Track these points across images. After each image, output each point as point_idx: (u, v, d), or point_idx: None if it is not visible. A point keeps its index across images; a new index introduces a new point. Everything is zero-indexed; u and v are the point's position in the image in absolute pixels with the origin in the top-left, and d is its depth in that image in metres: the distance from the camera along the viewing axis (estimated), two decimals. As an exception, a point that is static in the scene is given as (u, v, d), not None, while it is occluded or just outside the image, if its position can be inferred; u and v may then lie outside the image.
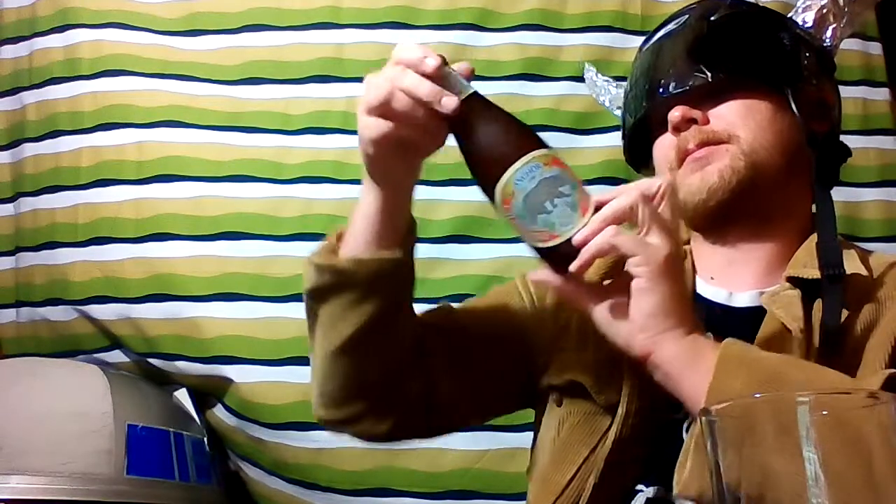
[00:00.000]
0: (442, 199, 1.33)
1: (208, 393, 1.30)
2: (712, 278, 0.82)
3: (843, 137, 1.40)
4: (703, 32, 0.83)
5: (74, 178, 1.36)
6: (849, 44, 1.39)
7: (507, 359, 0.82)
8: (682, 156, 0.80)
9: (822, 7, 0.87)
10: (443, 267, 1.30)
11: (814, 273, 0.74)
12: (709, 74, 0.80)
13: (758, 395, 0.55)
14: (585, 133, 1.31)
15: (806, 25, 0.88)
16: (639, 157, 0.92)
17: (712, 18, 0.84)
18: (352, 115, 1.37)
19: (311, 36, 1.41)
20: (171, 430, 1.16)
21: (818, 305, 0.73)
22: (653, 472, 0.73)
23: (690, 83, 0.81)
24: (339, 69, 1.39)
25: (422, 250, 1.30)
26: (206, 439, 1.25)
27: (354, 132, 1.43)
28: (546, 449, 0.80)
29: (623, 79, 1.29)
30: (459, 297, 1.28)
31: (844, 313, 0.72)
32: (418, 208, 1.30)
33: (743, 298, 0.79)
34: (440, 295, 1.28)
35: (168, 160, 1.35)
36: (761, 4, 0.91)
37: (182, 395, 1.28)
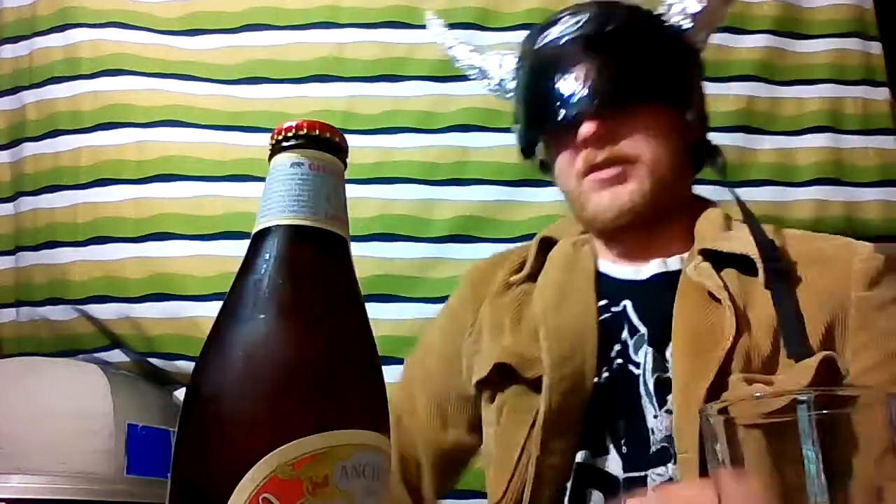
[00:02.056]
0: (442, 199, 1.33)
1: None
2: (614, 261, 0.88)
3: (843, 137, 1.41)
4: (608, 53, 0.85)
5: (74, 178, 1.36)
6: (849, 44, 1.40)
7: (465, 405, 0.91)
8: (589, 168, 0.84)
9: (698, 12, 0.89)
10: (443, 267, 1.30)
11: (726, 246, 0.80)
12: (621, 96, 0.84)
13: (758, 395, 0.57)
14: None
15: (683, 27, 0.89)
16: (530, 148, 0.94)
17: (612, 30, 0.85)
18: (352, 115, 1.39)
19: (310, 35, 1.41)
20: (171, 429, 1.16)
21: (729, 273, 0.79)
22: (592, 438, 0.78)
23: (600, 102, 0.83)
24: (339, 69, 1.39)
25: (422, 250, 1.32)
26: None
27: (354, 131, 1.44)
28: (492, 443, 0.85)
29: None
30: (459, 297, 1.28)
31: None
32: (418, 208, 1.32)
33: (648, 269, 0.85)
34: (440, 295, 1.28)
35: (168, 160, 1.35)
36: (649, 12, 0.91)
37: (182, 395, 1.27)
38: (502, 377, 0.83)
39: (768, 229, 0.84)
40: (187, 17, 1.42)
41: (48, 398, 1.06)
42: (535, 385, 0.80)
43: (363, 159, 1.33)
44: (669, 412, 0.75)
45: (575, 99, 0.83)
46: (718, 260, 0.80)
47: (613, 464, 0.77)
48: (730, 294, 0.76)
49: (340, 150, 0.35)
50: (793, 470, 0.38)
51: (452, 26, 1.41)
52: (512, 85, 0.96)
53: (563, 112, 0.84)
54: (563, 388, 0.78)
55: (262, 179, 0.36)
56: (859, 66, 1.39)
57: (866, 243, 0.83)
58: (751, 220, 0.83)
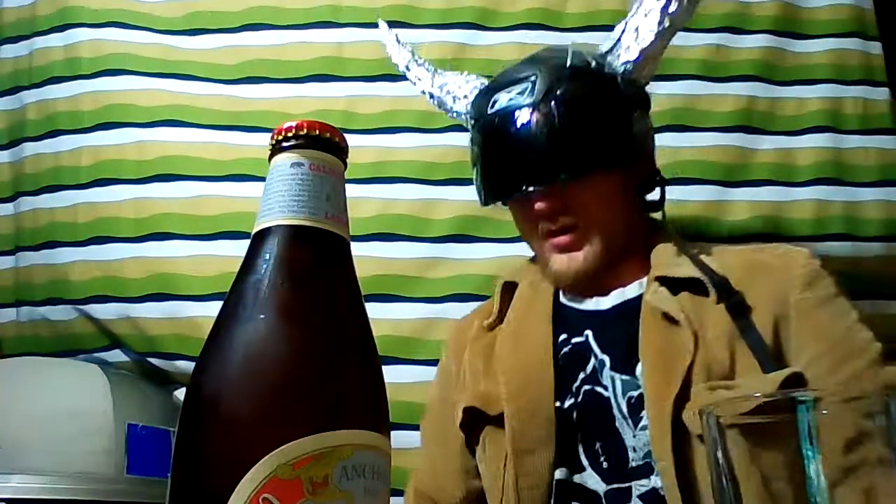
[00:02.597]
0: (442, 199, 1.33)
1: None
2: (574, 296, 0.95)
3: (843, 137, 1.41)
4: (556, 123, 0.88)
5: (74, 178, 1.36)
6: (849, 44, 1.39)
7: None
8: (546, 234, 0.92)
9: (637, 59, 0.94)
10: (443, 267, 1.30)
11: (678, 272, 0.87)
12: (567, 173, 0.88)
13: (757, 395, 0.57)
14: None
15: (628, 62, 0.94)
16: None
17: (557, 98, 0.88)
18: (352, 114, 1.39)
19: (311, 35, 1.41)
20: (171, 429, 1.16)
21: (683, 296, 0.85)
22: (567, 456, 0.85)
23: (549, 181, 0.88)
24: (340, 68, 1.39)
25: (422, 250, 1.32)
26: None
27: (354, 131, 1.44)
28: (485, 479, 0.92)
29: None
30: (459, 297, 1.28)
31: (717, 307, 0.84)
32: (418, 208, 1.32)
33: (607, 301, 0.92)
34: (440, 295, 1.28)
35: (168, 159, 1.35)
36: (593, 62, 0.94)
37: (182, 395, 1.27)
38: (475, 419, 0.90)
39: (705, 248, 0.92)
40: (187, 16, 1.42)
41: (48, 398, 1.06)
42: (499, 419, 0.87)
43: (363, 159, 1.33)
44: (645, 429, 0.81)
45: (527, 175, 0.89)
46: (673, 285, 0.86)
47: (591, 479, 0.83)
48: (686, 315, 0.83)
49: (341, 150, 0.35)
50: (792, 471, 0.38)
51: (452, 26, 1.42)
52: (467, 119, 1.01)
53: (517, 187, 0.91)
54: (522, 416, 0.85)
55: (263, 179, 0.36)
56: (859, 66, 1.39)
57: (802, 249, 0.90)
58: (687, 250, 0.90)
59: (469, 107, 1.01)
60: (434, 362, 1.26)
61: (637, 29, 0.95)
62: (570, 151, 0.88)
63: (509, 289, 0.99)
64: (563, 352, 0.89)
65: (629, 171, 0.93)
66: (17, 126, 1.42)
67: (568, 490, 0.83)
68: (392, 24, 1.40)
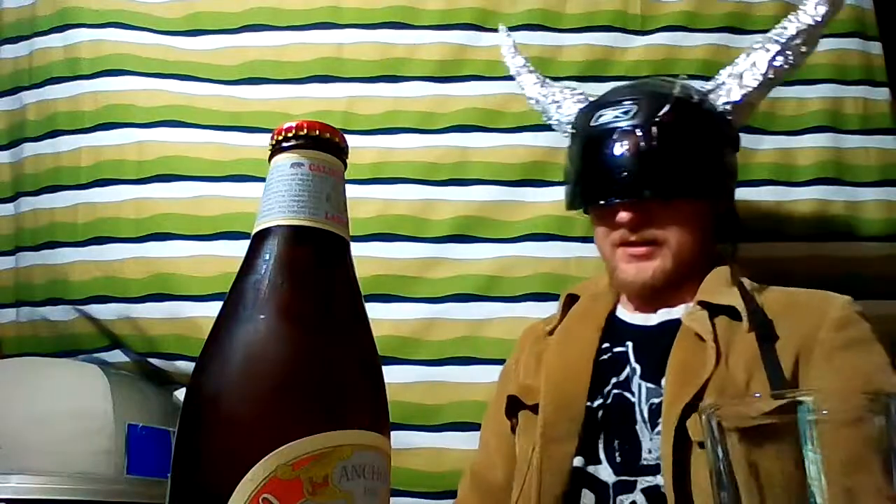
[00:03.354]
0: (442, 199, 1.33)
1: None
2: (635, 308, 1.01)
3: (843, 137, 1.41)
4: (653, 146, 0.96)
5: (74, 178, 1.36)
6: (849, 44, 1.39)
7: None
8: (622, 241, 0.98)
9: (748, 94, 1.03)
10: (443, 267, 1.30)
11: (718, 299, 0.93)
12: (659, 192, 0.96)
13: (757, 395, 0.58)
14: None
15: (729, 103, 1.03)
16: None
17: (660, 123, 0.96)
18: (352, 115, 1.39)
19: (311, 36, 1.41)
20: (171, 430, 1.16)
21: (721, 319, 0.91)
22: (584, 450, 0.92)
23: (639, 195, 0.96)
24: (340, 69, 1.39)
25: (422, 250, 1.32)
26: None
27: (355, 132, 1.44)
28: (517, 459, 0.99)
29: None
30: (459, 297, 1.28)
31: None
32: (418, 208, 1.32)
33: (656, 318, 0.99)
34: (440, 295, 1.28)
35: (168, 160, 1.35)
36: (699, 91, 1.02)
37: (182, 395, 1.27)
38: (514, 406, 1.00)
39: (759, 287, 0.96)
40: (187, 17, 1.42)
41: (48, 398, 1.06)
42: (535, 409, 0.95)
43: (363, 159, 1.33)
44: (660, 433, 0.87)
45: (617, 187, 0.97)
46: (712, 310, 0.92)
47: (604, 471, 0.90)
48: (715, 336, 0.89)
49: (341, 151, 0.35)
50: (793, 471, 0.38)
51: (452, 27, 1.42)
52: (566, 129, 1.10)
53: (605, 197, 0.99)
54: (555, 409, 0.93)
55: (262, 180, 0.36)
56: (859, 66, 1.39)
57: (844, 296, 0.93)
58: (736, 281, 0.95)
59: (571, 118, 1.09)
60: (434, 362, 1.26)
61: (742, 75, 1.03)
62: (660, 173, 0.96)
63: (571, 300, 1.06)
64: (602, 358, 0.97)
65: (712, 203, 1.01)
66: (17, 126, 1.42)
67: (581, 478, 0.91)
68: (392, 25, 1.41)
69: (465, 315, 1.27)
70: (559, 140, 1.34)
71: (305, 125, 0.34)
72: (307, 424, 0.29)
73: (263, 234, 0.33)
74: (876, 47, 1.41)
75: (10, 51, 1.46)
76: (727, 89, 1.03)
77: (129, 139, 1.36)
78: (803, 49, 1.04)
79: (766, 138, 1.36)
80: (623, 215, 0.97)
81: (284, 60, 1.40)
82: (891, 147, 1.36)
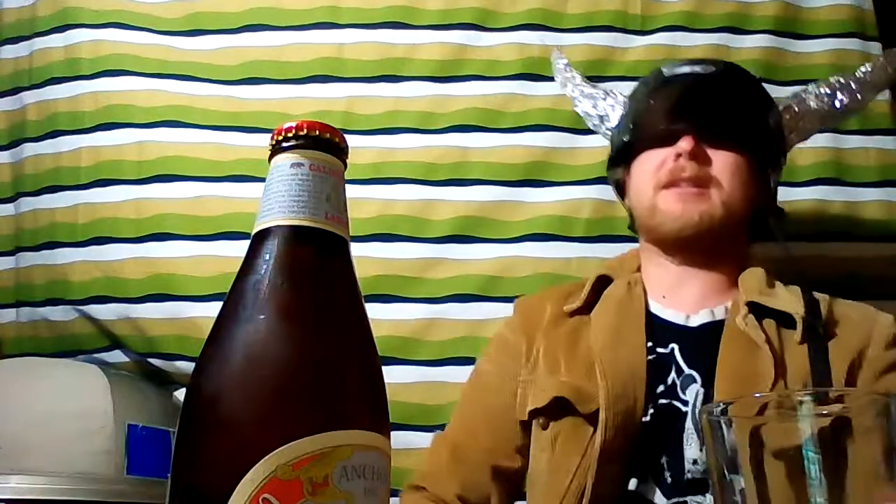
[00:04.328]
0: (442, 199, 1.33)
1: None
2: (664, 297, 0.97)
3: (843, 137, 1.41)
4: (737, 93, 0.98)
5: (74, 178, 1.36)
6: (849, 44, 1.40)
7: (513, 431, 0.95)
8: (673, 181, 0.94)
9: (798, 116, 1.06)
10: (443, 267, 1.30)
11: (771, 302, 0.90)
12: (724, 128, 0.95)
13: (758, 395, 0.57)
14: (585, 133, 1.31)
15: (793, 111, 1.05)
16: (620, 157, 1.05)
17: (736, 81, 1.00)
18: (352, 115, 1.39)
19: (310, 36, 1.41)
20: (171, 430, 1.16)
21: (769, 324, 0.88)
22: (638, 467, 0.86)
23: (708, 126, 0.94)
24: (339, 69, 1.39)
25: (422, 250, 1.32)
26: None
27: (355, 132, 1.44)
28: (543, 467, 0.90)
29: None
30: (459, 298, 1.28)
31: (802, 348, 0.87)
32: (418, 208, 1.32)
33: (698, 318, 0.94)
34: (440, 295, 1.28)
35: (168, 160, 1.35)
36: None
37: (182, 395, 1.27)
38: (559, 409, 0.90)
39: (796, 292, 0.93)
40: (187, 17, 1.42)
41: (48, 398, 1.06)
42: (589, 417, 0.87)
43: (363, 159, 1.33)
44: None
45: (685, 112, 0.95)
46: (760, 312, 0.89)
47: (652, 492, 0.85)
48: (771, 346, 0.85)
49: (341, 151, 0.35)
50: (794, 471, 0.38)
51: (452, 27, 1.42)
52: (612, 122, 1.10)
53: (670, 119, 0.96)
54: (617, 423, 0.85)
55: (263, 180, 0.36)
56: (859, 67, 1.39)
57: (887, 314, 0.93)
58: (808, 288, 0.93)
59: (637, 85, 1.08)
60: (434, 363, 1.26)
61: (806, 99, 1.07)
62: (733, 114, 0.96)
63: (602, 282, 0.99)
64: (649, 358, 0.90)
65: (764, 181, 0.99)
66: (17, 126, 1.42)
67: (630, 500, 0.85)
68: (392, 25, 1.41)
69: (465, 315, 1.27)
70: (559, 140, 1.35)
71: (305, 125, 0.34)
72: (307, 425, 0.29)
73: (263, 234, 0.33)
74: (876, 47, 1.41)
75: (10, 51, 1.46)
76: (790, 101, 1.06)
77: (129, 139, 1.36)
78: (860, 97, 1.08)
79: (766, 138, 1.36)
80: (685, 142, 0.93)
81: (284, 60, 1.40)
82: (891, 147, 1.36)
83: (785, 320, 0.89)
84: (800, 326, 0.87)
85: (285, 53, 1.40)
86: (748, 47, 1.39)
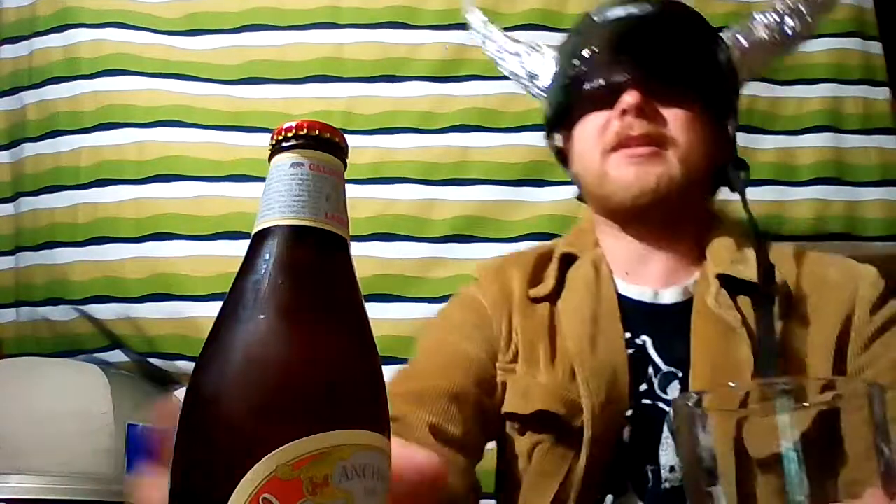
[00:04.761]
0: (442, 199, 1.33)
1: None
2: (627, 273, 0.86)
3: (843, 137, 1.41)
4: (681, 35, 0.86)
5: (74, 178, 1.36)
6: (849, 43, 1.40)
7: (480, 402, 0.81)
8: (622, 142, 0.82)
9: (746, 53, 0.93)
10: (443, 267, 1.30)
11: (743, 272, 0.79)
12: (673, 76, 0.83)
13: (733, 384, 0.56)
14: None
15: (733, 55, 0.92)
16: (556, 120, 0.92)
17: (675, 20, 0.88)
18: (352, 115, 1.39)
19: (311, 36, 1.41)
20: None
21: (744, 301, 0.78)
22: (619, 479, 0.76)
23: (654, 75, 0.82)
24: (339, 69, 1.39)
25: (422, 250, 1.32)
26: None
27: (355, 132, 1.44)
28: (518, 477, 0.80)
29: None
30: (460, 297, 1.28)
31: (779, 326, 0.77)
32: (418, 208, 1.32)
33: (667, 296, 0.83)
34: (440, 295, 1.28)
35: (168, 160, 1.35)
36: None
37: (182, 395, 1.27)
38: (542, 421, 0.79)
39: (781, 252, 0.84)
40: (187, 17, 1.42)
41: (48, 398, 1.06)
42: (572, 431, 0.77)
43: (363, 159, 1.33)
44: None
45: (624, 63, 0.83)
46: (734, 285, 0.79)
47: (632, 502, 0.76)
48: (748, 329, 0.76)
49: (340, 150, 0.35)
50: (771, 468, 0.37)
51: (452, 27, 1.41)
52: (544, 81, 0.97)
53: (609, 73, 0.83)
54: (603, 438, 0.76)
55: (262, 179, 0.36)
56: (859, 66, 1.39)
57: (873, 268, 0.83)
58: (760, 242, 0.82)
59: (534, 70, 0.99)
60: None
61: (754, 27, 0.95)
62: (676, 59, 0.85)
63: (566, 262, 0.87)
64: (628, 353, 0.80)
65: (719, 129, 0.87)
66: (17, 126, 1.42)
67: None
68: (392, 25, 1.41)
69: (465, 315, 1.27)
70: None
71: (305, 125, 0.34)
72: (307, 424, 0.29)
73: (263, 234, 0.33)
74: (876, 47, 1.41)
75: (10, 51, 1.46)
76: (736, 34, 0.94)
77: (130, 139, 1.36)
78: (810, 20, 0.95)
79: (767, 138, 1.36)
80: (630, 96, 0.81)
81: (284, 60, 1.40)
82: (891, 147, 1.36)
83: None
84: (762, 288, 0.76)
85: (286, 53, 1.40)
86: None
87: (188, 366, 1.27)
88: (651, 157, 0.81)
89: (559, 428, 0.78)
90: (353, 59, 1.40)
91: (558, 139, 0.93)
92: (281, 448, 0.29)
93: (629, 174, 0.81)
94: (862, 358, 0.77)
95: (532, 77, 1.01)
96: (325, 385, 0.31)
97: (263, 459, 0.28)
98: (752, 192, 1.30)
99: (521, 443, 0.80)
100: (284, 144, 0.34)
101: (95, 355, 1.31)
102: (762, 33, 0.94)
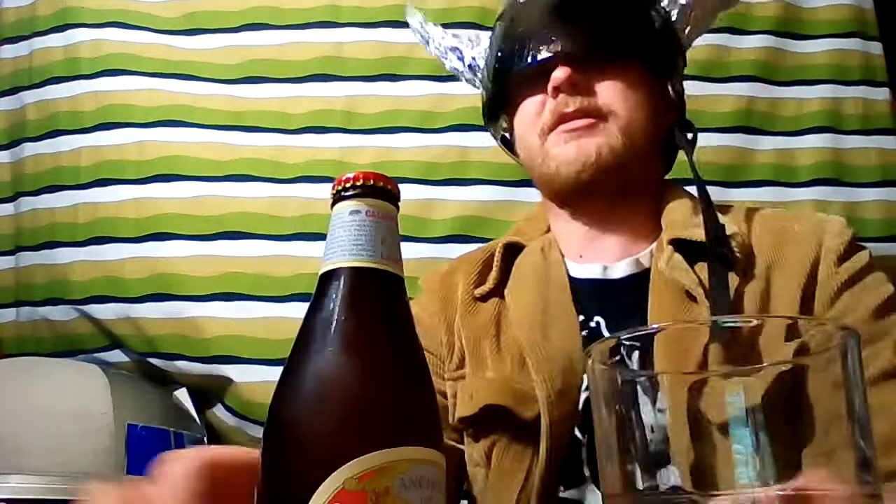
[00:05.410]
0: (442, 199, 1.33)
1: (208, 393, 1.30)
2: (581, 256, 0.83)
3: (843, 137, 1.41)
4: (606, 3, 0.83)
5: (74, 178, 1.36)
6: (849, 44, 1.40)
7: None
8: (558, 120, 0.80)
9: (687, 8, 0.88)
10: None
11: (697, 234, 0.76)
12: (602, 46, 0.80)
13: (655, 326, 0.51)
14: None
15: (672, 15, 0.88)
16: (494, 108, 0.91)
17: None
18: (352, 114, 1.39)
19: (310, 35, 1.41)
20: (171, 429, 1.16)
21: (702, 266, 0.74)
22: (575, 470, 0.73)
23: (582, 47, 0.80)
24: (339, 68, 1.39)
25: (422, 250, 1.32)
26: (205, 439, 1.25)
27: (354, 131, 1.44)
28: (481, 487, 0.77)
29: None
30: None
31: (734, 279, 0.73)
32: (418, 208, 1.32)
33: (618, 269, 0.80)
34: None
35: (168, 160, 1.35)
36: None
37: (182, 395, 1.28)
38: (492, 418, 0.76)
39: (738, 211, 0.82)
40: (187, 16, 1.42)
41: (48, 398, 1.06)
42: (527, 424, 0.74)
43: (363, 159, 1.33)
44: None
45: (550, 41, 0.80)
46: (690, 250, 0.76)
47: (592, 495, 0.73)
48: (706, 290, 0.72)
49: (394, 198, 0.41)
50: (716, 439, 0.31)
51: (452, 26, 1.41)
52: (465, 74, 0.96)
53: (536, 52, 0.81)
54: (560, 429, 0.73)
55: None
56: (859, 67, 1.39)
57: (838, 218, 0.80)
58: (706, 203, 0.78)
59: (472, 61, 0.97)
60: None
61: None
62: (603, 26, 0.82)
63: (511, 253, 0.85)
64: (583, 335, 0.77)
65: (660, 88, 0.84)
66: (17, 126, 1.42)
67: None
68: (391, 24, 1.41)
69: (465, 315, 1.27)
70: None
71: (362, 176, 0.39)
72: (370, 443, 0.33)
73: (328, 275, 0.38)
74: (876, 47, 1.41)
75: (10, 51, 1.46)
76: None
77: (130, 139, 1.36)
78: None
79: (766, 139, 1.36)
80: (559, 72, 0.78)
81: (284, 59, 1.40)
82: (891, 147, 1.36)
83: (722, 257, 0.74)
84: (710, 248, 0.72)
85: (285, 52, 1.40)
86: (748, 47, 1.39)
87: (188, 366, 1.27)
88: (589, 129, 0.79)
89: (512, 423, 0.75)
90: (352, 58, 1.40)
91: (500, 125, 0.92)
92: (348, 464, 0.33)
93: (569, 150, 0.79)
94: (830, 313, 0.73)
95: (473, 69, 0.99)
96: (385, 408, 0.35)
97: (333, 474, 0.33)
98: (752, 194, 1.31)
99: (478, 449, 0.78)
100: (344, 194, 0.39)
101: (95, 355, 1.31)
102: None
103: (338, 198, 0.39)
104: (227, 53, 1.40)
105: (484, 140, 1.36)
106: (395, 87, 1.38)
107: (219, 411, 1.29)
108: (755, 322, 0.37)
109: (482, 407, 0.76)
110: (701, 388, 0.34)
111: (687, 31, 0.89)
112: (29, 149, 1.40)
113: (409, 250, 1.35)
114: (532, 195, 1.34)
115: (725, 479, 0.31)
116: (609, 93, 0.80)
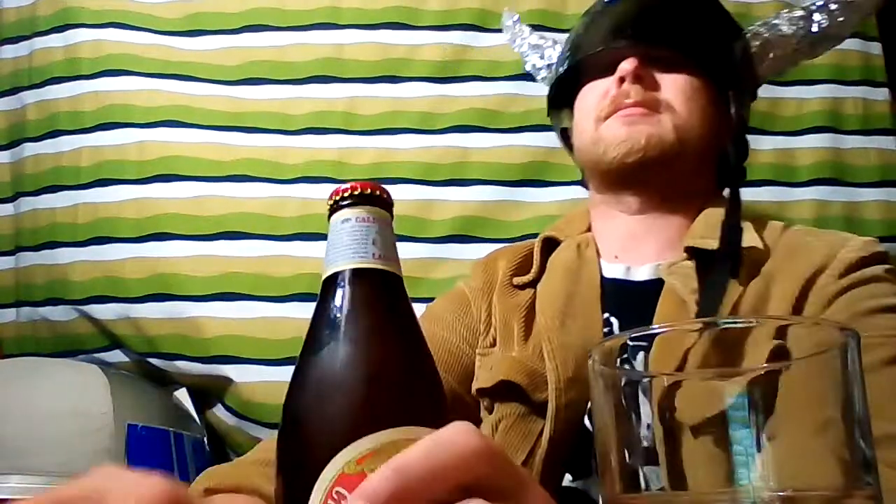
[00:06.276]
0: (442, 199, 1.33)
1: (208, 393, 1.30)
2: (616, 257, 0.85)
3: (843, 137, 1.41)
4: (683, 5, 0.87)
5: (75, 178, 1.36)
6: (849, 44, 1.40)
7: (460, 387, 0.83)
8: (616, 109, 0.83)
9: (769, 47, 0.94)
10: (443, 267, 1.30)
11: (712, 244, 0.77)
12: (675, 46, 0.84)
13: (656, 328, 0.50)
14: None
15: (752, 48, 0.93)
16: (560, 100, 0.94)
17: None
18: (352, 115, 1.39)
19: (311, 36, 1.41)
20: (171, 429, 1.16)
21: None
22: (574, 464, 0.75)
23: (655, 41, 0.83)
24: (339, 69, 1.39)
25: (422, 250, 1.32)
26: (205, 439, 1.25)
27: (354, 132, 1.44)
28: None
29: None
30: (459, 297, 1.28)
31: (736, 288, 0.74)
32: (418, 208, 1.32)
33: (641, 272, 0.81)
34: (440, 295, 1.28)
35: (168, 160, 1.35)
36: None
37: (182, 395, 1.28)
38: (506, 391, 0.78)
39: (773, 228, 0.82)
40: (188, 17, 1.42)
41: (48, 398, 1.06)
42: (537, 407, 0.76)
43: (363, 160, 1.33)
44: None
45: (625, 32, 0.84)
46: (703, 259, 0.76)
47: (598, 489, 0.72)
48: (697, 295, 0.72)
49: (383, 202, 0.43)
50: (715, 440, 0.31)
51: (452, 28, 1.42)
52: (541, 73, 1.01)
53: (609, 41, 0.85)
54: (568, 415, 0.73)
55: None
56: (859, 67, 1.39)
57: (870, 239, 0.79)
58: (729, 214, 0.80)
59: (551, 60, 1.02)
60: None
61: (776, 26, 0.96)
62: (677, 25, 0.85)
63: (550, 246, 0.88)
64: (604, 333, 0.79)
65: (723, 102, 0.86)
66: (17, 126, 1.42)
67: (571, 497, 0.75)
68: (392, 26, 1.41)
69: (465, 315, 1.27)
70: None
71: (350, 187, 0.42)
72: (366, 427, 0.35)
73: (330, 279, 0.41)
74: (876, 47, 1.41)
75: (10, 51, 1.46)
76: (759, 26, 0.96)
77: (130, 139, 1.36)
78: (841, 18, 0.94)
79: (766, 139, 1.36)
80: (627, 63, 0.82)
81: (284, 61, 1.40)
82: (891, 147, 1.37)
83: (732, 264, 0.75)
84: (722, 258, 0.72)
85: (286, 54, 1.40)
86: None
87: (188, 366, 1.27)
88: (643, 116, 0.81)
89: (523, 401, 0.76)
90: (353, 60, 1.40)
91: (563, 118, 0.95)
92: (346, 448, 0.35)
93: (620, 132, 0.81)
94: (823, 315, 0.71)
95: (551, 67, 1.04)
96: (377, 394, 0.38)
97: (333, 459, 0.35)
98: (752, 193, 1.31)
99: (488, 421, 0.80)
100: (336, 206, 0.42)
101: (95, 355, 1.31)
102: (785, 27, 0.94)
103: (332, 210, 0.42)
104: (227, 54, 1.40)
105: (484, 141, 1.37)
106: (396, 89, 1.39)
107: (219, 411, 1.29)
108: (742, 324, 0.37)
109: (498, 381, 0.78)
110: (675, 390, 0.33)
111: (764, 65, 0.93)
112: (29, 149, 1.40)
113: (409, 250, 1.37)
114: (532, 195, 1.34)
115: (697, 480, 0.32)
116: (671, 90, 0.83)
